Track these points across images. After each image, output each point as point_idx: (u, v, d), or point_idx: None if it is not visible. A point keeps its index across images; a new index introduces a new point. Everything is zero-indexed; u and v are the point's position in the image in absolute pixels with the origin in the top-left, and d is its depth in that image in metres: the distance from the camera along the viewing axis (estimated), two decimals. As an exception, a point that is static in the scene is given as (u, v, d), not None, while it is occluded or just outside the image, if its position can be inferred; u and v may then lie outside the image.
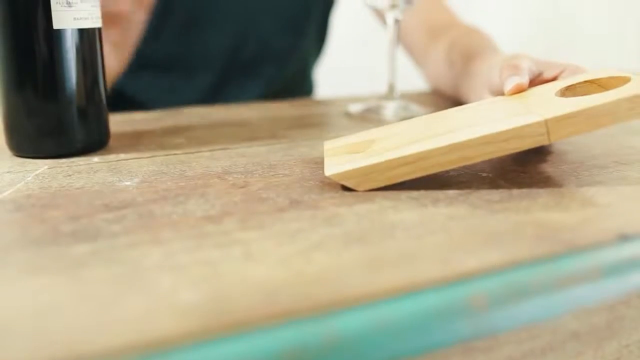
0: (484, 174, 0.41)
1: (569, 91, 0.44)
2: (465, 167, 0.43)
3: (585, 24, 1.92)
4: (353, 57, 1.57)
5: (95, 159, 0.47)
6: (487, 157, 0.38)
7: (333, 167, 0.39)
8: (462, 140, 0.37)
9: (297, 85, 0.95)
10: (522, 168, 0.43)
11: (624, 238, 0.30)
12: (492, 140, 0.37)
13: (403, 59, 0.79)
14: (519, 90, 0.46)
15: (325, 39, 0.97)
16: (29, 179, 0.41)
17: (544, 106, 0.39)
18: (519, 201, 0.36)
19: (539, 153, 0.47)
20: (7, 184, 0.40)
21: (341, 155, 0.41)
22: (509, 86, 0.46)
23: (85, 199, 0.37)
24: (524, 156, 0.46)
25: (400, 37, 0.83)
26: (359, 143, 0.43)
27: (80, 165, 0.45)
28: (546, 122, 0.37)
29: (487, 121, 0.40)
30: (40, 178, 0.42)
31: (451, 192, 0.38)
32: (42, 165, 0.45)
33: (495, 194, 0.37)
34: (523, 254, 0.28)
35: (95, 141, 0.49)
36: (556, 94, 0.43)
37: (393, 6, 0.62)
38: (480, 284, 0.26)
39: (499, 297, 0.26)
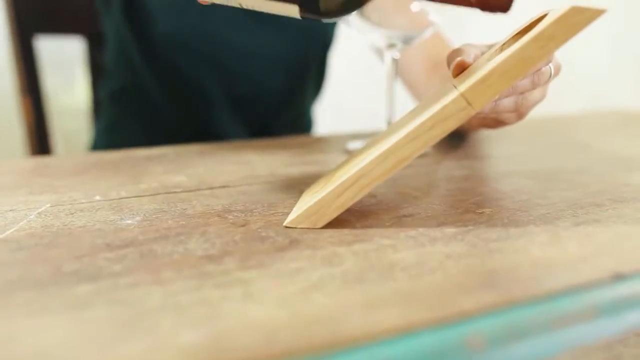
0: (481, 211, 0.42)
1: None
2: (462, 204, 0.44)
3: (582, 62, 1.95)
4: (353, 94, 1.59)
5: (97, 197, 0.47)
6: (423, 150, 0.38)
7: (290, 216, 0.40)
8: (391, 145, 0.37)
9: (297, 122, 0.97)
10: (519, 206, 0.43)
11: (619, 277, 0.31)
12: (418, 133, 0.37)
13: (401, 96, 0.80)
14: (462, 68, 0.45)
15: (324, 78, 0.99)
16: (31, 217, 0.42)
17: (469, 78, 0.38)
18: (516, 240, 0.36)
19: (536, 190, 0.47)
20: (10, 222, 0.41)
21: (303, 200, 0.42)
22: (451, 67, 0.45)
23: (87, 238, 0.37)
24: (522, 195, 0.46)
25: (402, 74, 0.85)
26: (322, 180, 0.43)
27: (82, 203, 0.45)
28: (462, 95, 0.36)
29: (418, 115, 0.39)
30: (43, 216, 0.42)
31: (449, 231, 0.38)
32: (45, 204, 0.45)
33: (492, 232, 0.38)
34: (520, 294, 0.29)
35: None
36: (488, 59, 0.41)
37: (391, 45, 0.64)
38: (477, 324, 0.26)
39: (496, 337, 0.26)
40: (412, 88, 0.86)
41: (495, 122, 0.56)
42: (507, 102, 0.50)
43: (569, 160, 0.61)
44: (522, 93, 0.50)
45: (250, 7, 0.41)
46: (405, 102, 0.86)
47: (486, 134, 0.77)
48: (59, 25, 1.02)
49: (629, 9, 1.75)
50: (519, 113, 0.53)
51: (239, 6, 0.41)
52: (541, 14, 0.40)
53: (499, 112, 0.51)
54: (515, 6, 0.42)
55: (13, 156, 1.27)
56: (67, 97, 1.42)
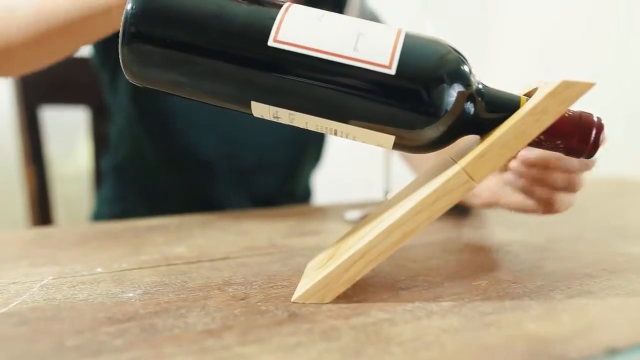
0: (477, 283, 0.43)
1: None
2: (459, 276, 0.45)
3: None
4: (350, 164, 1.61)
5: (98, 269, 0.48)
6: (427, 223, 0.38)
7: (298, 291, 0.41)
8: (395, 219, 0.38)
9: (297, 192, 0.98)
10: (514, 278, 0.44)
11: (613, 351, 0.31)
12: (421, 208, 0.38)
13: (398, 166, 0.81)
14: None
15: (324, 148, 1.00)
16: (34, 290, 0.42)
17: (469, 152, 0.39)
18: (511, 313, 0.37)
19: (531, 261, 0.48)
20: (13, 295, 0.41)
21: (310, 274, 0.43)
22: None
23: (89, 312, 0.38)
24: (517, 265, 0.47)
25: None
26: (328, 255, 0.44)
27: (84, 275, 0.46)
28: (464, 169, 0.37)
29: (420, 189, 0.40)
30: (45, 289, 0.43)
31: (445, 304, 0.39)
32: (47, 276, 0.46)
33: (488, 306, 0.38)
34: (514, 370, 0.29)
35: None
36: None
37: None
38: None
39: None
40: (409, 158, 0.87)
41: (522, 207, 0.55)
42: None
43: (564, 228, 0.62)
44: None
45: (344, 137, 0.42)
46: (401, 172, 0.87)
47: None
48: (64, 96, 1.04)
49: (618, 78, 1.79)
50: (551, 208, 0.53)
51: (334, 134, 0.43)
52: (530, 87, 0.42)
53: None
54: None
55: (15, 224, 1.28)
56: (70, 163, 1.44)
